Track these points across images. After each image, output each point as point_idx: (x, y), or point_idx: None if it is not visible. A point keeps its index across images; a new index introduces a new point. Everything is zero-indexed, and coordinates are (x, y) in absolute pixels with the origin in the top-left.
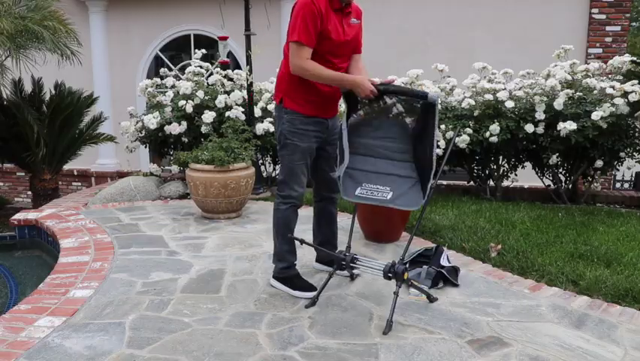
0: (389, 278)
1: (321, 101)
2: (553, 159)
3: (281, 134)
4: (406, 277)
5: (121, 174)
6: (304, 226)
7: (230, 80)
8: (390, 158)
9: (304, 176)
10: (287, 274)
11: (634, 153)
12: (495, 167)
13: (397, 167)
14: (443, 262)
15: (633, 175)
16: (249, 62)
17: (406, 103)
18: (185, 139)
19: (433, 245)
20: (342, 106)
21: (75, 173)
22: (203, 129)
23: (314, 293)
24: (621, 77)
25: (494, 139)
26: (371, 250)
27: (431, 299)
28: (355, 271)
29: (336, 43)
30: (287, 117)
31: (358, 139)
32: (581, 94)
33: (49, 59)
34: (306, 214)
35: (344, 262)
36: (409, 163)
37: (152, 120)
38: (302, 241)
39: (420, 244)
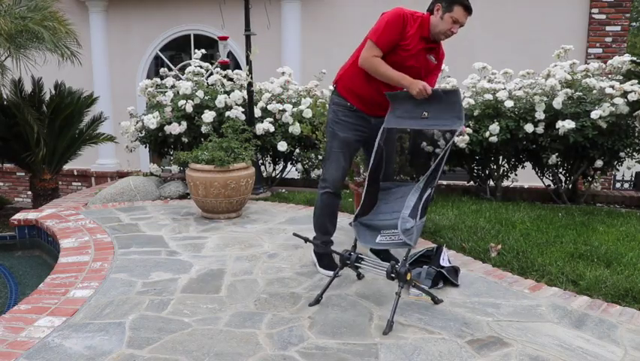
0: (392, 279)
1: (364, 100)
2: (553, 158)
3: (328, 121)
4: (409, 278)
5: (121, 174)
6: (304, 225)
7: (230, 80)
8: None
9: (341, 165)
10: (320, 250)
11: (634, 153)
12: (495, 167)
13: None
14: (443, 262)
15: (633, 175)
16: (248, 61)
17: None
18: (185, 139)
19: (434, 245)
20: None
21: (75, 173)
22: (203, 129)
23: (333, 272)
24: (621, 77)
25: (494, 139)
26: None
27: (436, 301)
28: (360, 271)
29: (405, 60)
30: (334, 107)
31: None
32: (580, 93)
33: (49, 59)
34: (306, 214)
35: (349, 261)
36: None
37: (152, 120)
38: (306, 240)
39: (420, 244)
